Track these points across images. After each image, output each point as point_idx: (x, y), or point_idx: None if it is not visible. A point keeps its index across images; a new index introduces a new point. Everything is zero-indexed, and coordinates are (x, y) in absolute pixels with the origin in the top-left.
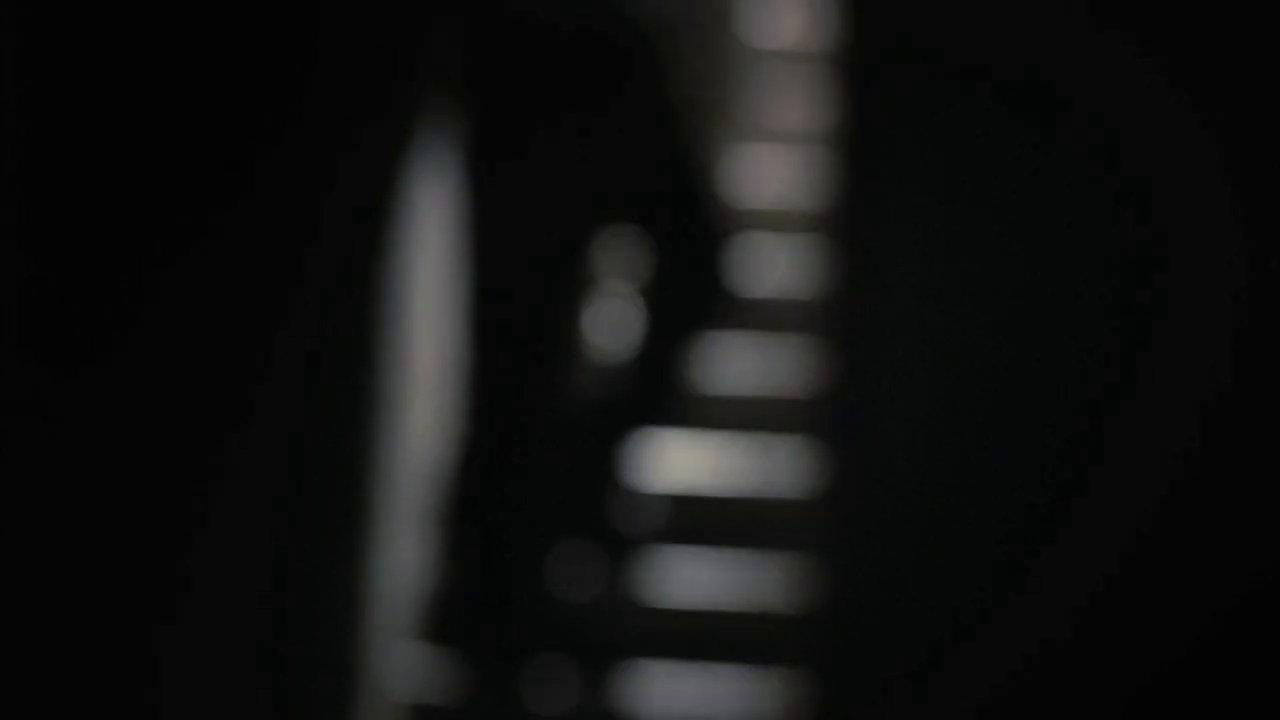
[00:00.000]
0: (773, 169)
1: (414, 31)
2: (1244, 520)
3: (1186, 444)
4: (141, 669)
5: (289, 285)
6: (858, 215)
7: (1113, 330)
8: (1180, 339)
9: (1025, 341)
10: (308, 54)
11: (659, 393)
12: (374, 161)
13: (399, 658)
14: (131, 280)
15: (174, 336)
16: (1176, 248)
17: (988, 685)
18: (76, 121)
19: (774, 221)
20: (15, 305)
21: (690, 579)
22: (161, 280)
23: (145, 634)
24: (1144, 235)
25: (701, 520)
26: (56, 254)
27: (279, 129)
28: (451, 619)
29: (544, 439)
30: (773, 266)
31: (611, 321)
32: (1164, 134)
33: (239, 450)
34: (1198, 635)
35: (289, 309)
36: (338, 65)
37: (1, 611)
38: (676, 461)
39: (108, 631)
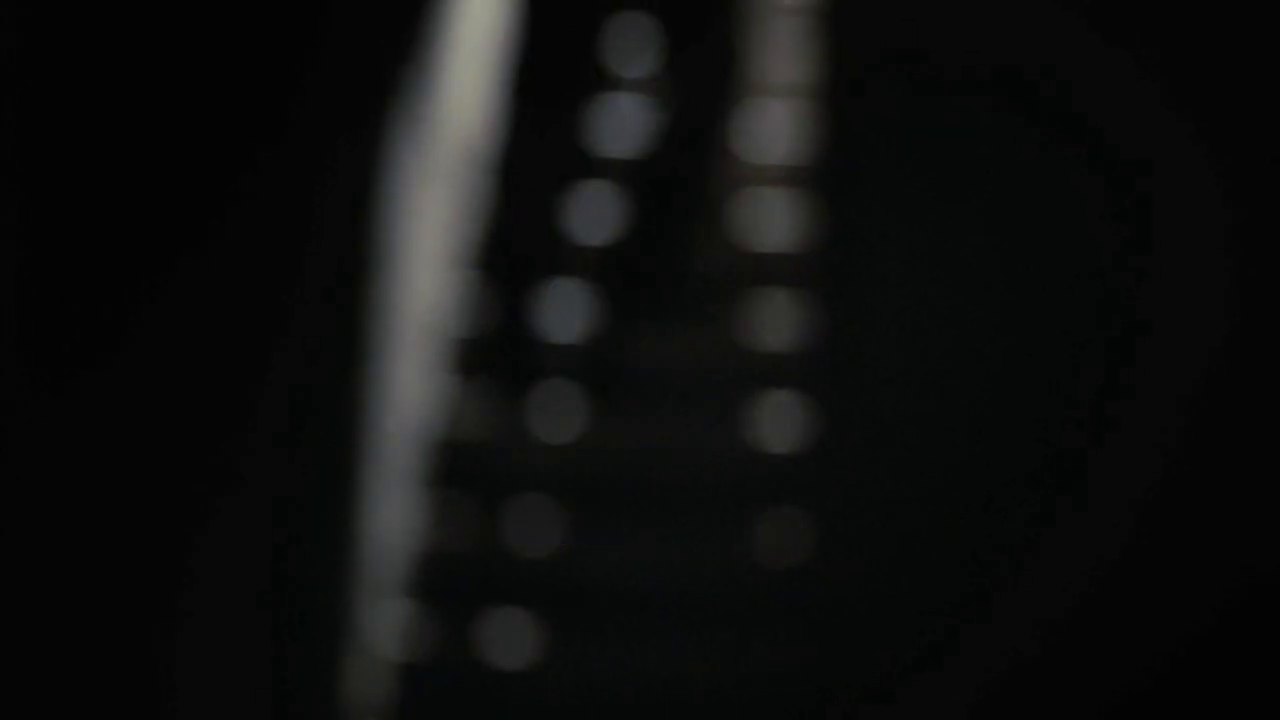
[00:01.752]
0: (766, 123)
1: (415, 30)
2: (1241, 505)
3: (1193, 380)
4: (143, 661)
5: (290, 282)
6: (851, 170)
7: (1112, 288)
8: (1181, 297)
9: (1021, 297)
10: (309, 53)
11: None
12: (373, 159)
13: (388, 616)
14: (131, 280)
15: (174, 336)
16: (1176, 203)
17: (981, 647)
18: (76, 121)
19: (767, 176)
20: (15, 305)
21: (677, 535)
22: (161, 280)
23: (146, 628)
24: (1140, 191)
25: (685, 475)
26: (56, 254)
27: (278, 128)
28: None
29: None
30: (766, 220)
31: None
32: (1159, 115)
33: (239, 448)
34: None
35: (290, 306)
36: (338, 64)
37: (1, 612)
38: (661, 414)
39: (108, 625)
